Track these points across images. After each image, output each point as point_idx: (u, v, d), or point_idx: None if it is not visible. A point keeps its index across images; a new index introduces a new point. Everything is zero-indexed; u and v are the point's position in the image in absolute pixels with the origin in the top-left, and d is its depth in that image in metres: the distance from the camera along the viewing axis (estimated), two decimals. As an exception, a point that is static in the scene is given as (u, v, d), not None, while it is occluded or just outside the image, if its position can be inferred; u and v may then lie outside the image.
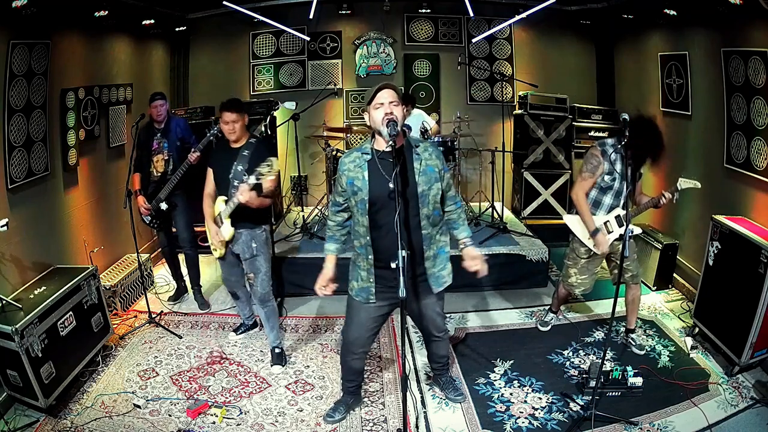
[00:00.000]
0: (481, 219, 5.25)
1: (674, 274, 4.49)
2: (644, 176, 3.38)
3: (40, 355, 2.87)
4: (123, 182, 3.99)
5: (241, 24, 5.71)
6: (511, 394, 3.12)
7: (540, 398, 3.08)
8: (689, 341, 3.56)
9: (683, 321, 3.93)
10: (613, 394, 3.01)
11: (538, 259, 4.57)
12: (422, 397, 3.12)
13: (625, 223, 2.77)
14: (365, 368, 3.34)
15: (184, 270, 4.44)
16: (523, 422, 2.87)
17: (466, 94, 6.13)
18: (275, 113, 5.23)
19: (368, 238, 2.43)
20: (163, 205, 3.93)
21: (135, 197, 3.97)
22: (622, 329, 3.66)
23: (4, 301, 2.92)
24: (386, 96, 2.28)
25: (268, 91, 6.04)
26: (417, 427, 2.85)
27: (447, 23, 6.03)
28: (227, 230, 3.23)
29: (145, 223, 4.11)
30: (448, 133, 5.55)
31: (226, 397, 3.12)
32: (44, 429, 2.85)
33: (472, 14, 5.27)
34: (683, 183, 3.07)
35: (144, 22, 4.69)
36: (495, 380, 3.26)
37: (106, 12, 3.92)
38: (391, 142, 2.21)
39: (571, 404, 3.00)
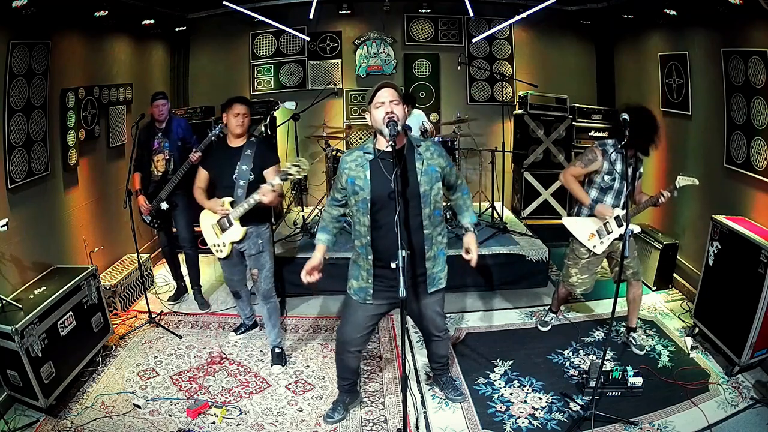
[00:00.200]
0: (481, 219, 5.25)
1: (674, 274, 4.49)
2: (644, 176, 3.39)
3: (40, 355, 2.87)
4: (123, 182, 3.99)
5: (241, 24, 5.72)
6: (511, 394, 3.12)
7: (540, 398, 3.08)
8: (689, 341, 3.56)
9: (683, 321, 3.93)
10: (613, 394, 3.01)
11: (538, 259, 4.57)
12: (422, 397, 3.12)
13: (624, 223, 2.77)
14: (365, 368, 3.35)
15: (184, 270, 4.45)
16: (523, 422, 2.87)
17: (466, 94, 6.13)
18: (275, 113, 5.23)
19: (369, 237, 2.43)
20: (164, 205, 3.93)
21: (135, 197, 3.97)
22: (623, 329, 3.66)
23: (4, 301, 2.92)
24: (387, 95, 2.29)
25: (268, 91, 6.05)
26: (417, 427, 2.85)
27: (447, 23, 6.03)
28: (238, 231, 3.24)
29: (146, 222, 4.11)
30: (448, 133, 5.55)
31: (226, 397, 3.12)
32: (44, 429, 2.85)
33: (472, 14, 5.27)
34: (681, 181, 3.08)
35: (144, 22, 4.69)
36: (495, 380, 3.26)
37: (106, 12, 3.92)
38: (391, 142, 2.21)
39: (571, 404, 3.00)
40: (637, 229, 3.21)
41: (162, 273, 4.97)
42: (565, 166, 5.71)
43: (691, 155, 4.35)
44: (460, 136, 5.43)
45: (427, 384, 3.24)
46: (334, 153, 5.05)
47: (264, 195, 3.01)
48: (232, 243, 3.30)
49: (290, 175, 2.91)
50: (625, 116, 2.75)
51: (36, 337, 2.87)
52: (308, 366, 3.47)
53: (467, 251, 2.59)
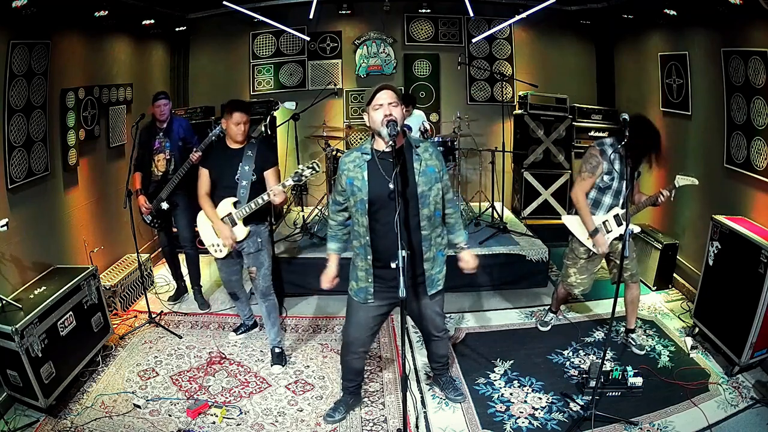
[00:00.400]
0: (481, 219, 5.25)
1: (674, 274, 4.49)
2: (643, 176, 3.38)
3: (40, 355, 2.87)
4: (123, 182, 3.99)
5: (241, 24, 5.71)
6: (511, 394, 3.12)
7: (540, 398, 3.08)
8: (689, 341, 3.56)
9: (683, 321, 3.93)
10: (613, 394, 3.01)
11: (538, 259, 4.57)
12: (422, 397, 3.12)
13: (624, 223, 2.77)
14: (365, 368, 3.35)
15: (184, 270, 4.45)
16: (523, 422, 2.87)
17: (466, 94, 6.13)
18: (275, 113, 5.23)
19: (367, 238, 2.43)
20: (164, 205, 3.93)
21: (136, 197, 3.98)
22: (622, 329, 3.66)
23: (4, 301, 2.92)
24: (385, 97, 2.29)
25: (268, 91, 6.04)
26: (417, 427, 2.86)
27: (447, 23, 6.02)
28: (242, 231, 3.25)
29: (146, 222, 4.11)
30: (448, 133, 5.55)
31: (226, 397, 3.12)
32: (44, 429, 2.85)
33: (472, 14, 5.26)
34: (681, 180, 3.08)
35: (144, 22, 4.69)
36: (495, 380, 3.26)
37: (106, 12, 3.92)
38: (390, 142, 2.21)
39: (571, 404, 3.00)
40: (636, 229, 3.22)
41: (162, 273, 4.97)
42: (565, 166, 5.76)
43: (691, 155, 4.35)
44: (460, 136, 5.43)
45: (427, 384, 3.24)
46: (334, 153, 5.05)
47: (276, 195, 3.10)
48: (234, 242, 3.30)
49: (304, 176, 3.01)
50: (625, 116, 2.75)
51: (36, 337, 2.87)
52: (308, 366, 3.47)
53: (465, 263, 2.65)
